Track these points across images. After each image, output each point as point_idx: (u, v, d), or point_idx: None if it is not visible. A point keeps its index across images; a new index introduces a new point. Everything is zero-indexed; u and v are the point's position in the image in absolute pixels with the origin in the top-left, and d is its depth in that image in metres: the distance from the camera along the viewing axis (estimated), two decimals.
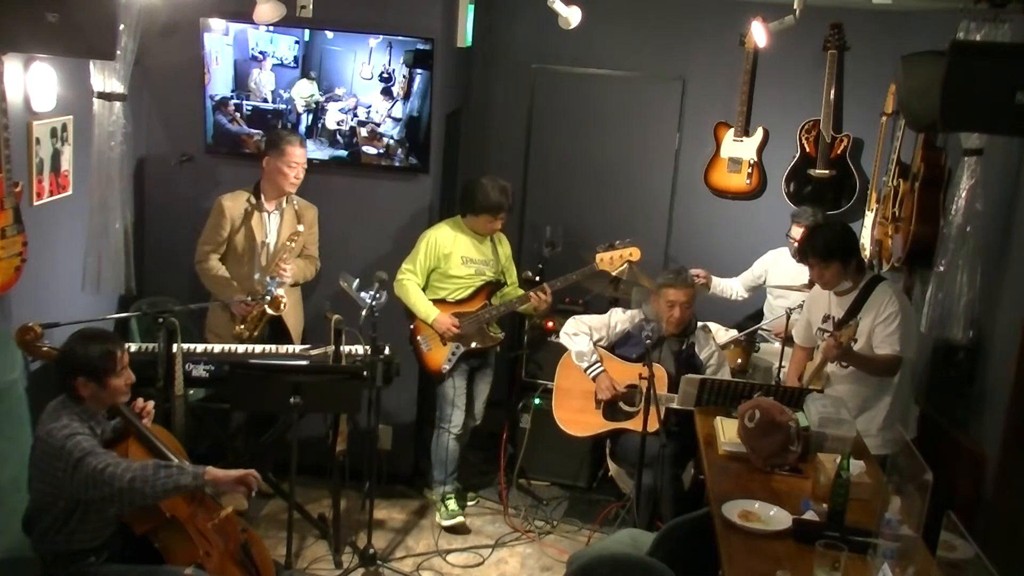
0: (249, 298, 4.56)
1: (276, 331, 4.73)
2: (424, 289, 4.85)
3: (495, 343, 4.96)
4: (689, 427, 4.29)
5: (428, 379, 5.07)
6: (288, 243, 4.65)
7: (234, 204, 4.65)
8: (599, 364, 4.76)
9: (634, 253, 4.85)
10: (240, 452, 4.85)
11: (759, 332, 5.34)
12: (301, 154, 4.65)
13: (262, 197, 4.69)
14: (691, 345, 4.78)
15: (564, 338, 4.84)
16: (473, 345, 4.86)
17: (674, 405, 4.37)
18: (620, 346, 4.85)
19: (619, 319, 4.86)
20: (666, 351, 4.65)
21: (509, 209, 4.84)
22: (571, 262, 5.05)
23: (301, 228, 4.69)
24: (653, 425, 4.18)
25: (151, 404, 3.56)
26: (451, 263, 4.80)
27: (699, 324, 4.88)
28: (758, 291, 5.46)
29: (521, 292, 4.94)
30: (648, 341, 4.35)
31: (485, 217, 4.78)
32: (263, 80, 4.95)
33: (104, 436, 3.38)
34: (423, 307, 4.79)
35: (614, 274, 5.04)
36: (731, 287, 5.44)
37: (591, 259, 4.85)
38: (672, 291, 4.66)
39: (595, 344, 4.81)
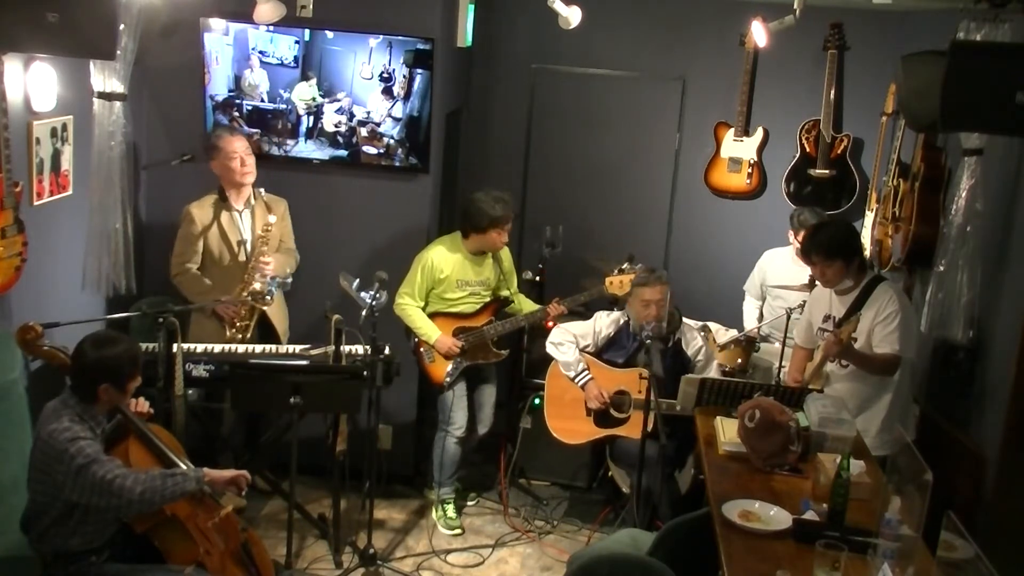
0: (248, 298, 4.55)
1: (264, 333, 4.72)
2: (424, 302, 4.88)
3: (498, 359, 4.96)
4: (684, 427, 4.29)
5: (429, 381, 5.07)
6: (262, 235, 4.62)
7: (203, 211, 4.62)
8: (587, 372, 4.76)
9: None
10: (239, 452, 4.86)
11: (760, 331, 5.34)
12: (240, 143, 4.60)
13: (228, 197, 4.66)
14: (677, 342, 4.79)
15: (550, 348, 4.85)
16: (478, 359, 4.88)
17: (676, 410, 4.36)
18: (606, 351, 4.86)
19: (603, 324, 4.87)
20: (653, 352, 4.64)
21: (515, 217, 4.81)
22: (571, 262, 5.05)
23: (272, 219, 4.66)
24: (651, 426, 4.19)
25: (146, 404, 3.56)
26: (446, 286, 4.81)
27: (684, 320, 4.90)
28: (762, 296, 5.44)
29: (528, 307, 4.94)
30: (648, 341, 4.35)
31: (494, 232, 4.72)
32: (256, 80, 4.95)
33: (104, 435, 3.38)
34: (425, 328, 4.79)
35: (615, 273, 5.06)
36: (753, 313, 5.42)
37: (601, 282, 4.84)
38: (647, 290, 4.67)
39: (582, 351, 4.82)
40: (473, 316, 4.88)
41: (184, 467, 3.47)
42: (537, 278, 5.22)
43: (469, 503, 5.22)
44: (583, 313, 5.11)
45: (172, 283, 4.68)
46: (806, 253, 4.26)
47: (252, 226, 4.69)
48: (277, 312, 4.77)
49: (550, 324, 5.14)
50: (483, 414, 5.07)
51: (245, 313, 4.59)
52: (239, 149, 4.60)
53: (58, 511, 3.23)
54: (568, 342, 4.81)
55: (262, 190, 4.71)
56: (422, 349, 4.85)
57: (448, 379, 4.84)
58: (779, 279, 5.19)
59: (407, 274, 4.81)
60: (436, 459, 5.00)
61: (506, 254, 5.02)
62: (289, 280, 4.76)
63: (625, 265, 4.85)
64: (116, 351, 3.27)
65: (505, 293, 4.99)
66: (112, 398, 3.29)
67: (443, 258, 4.80)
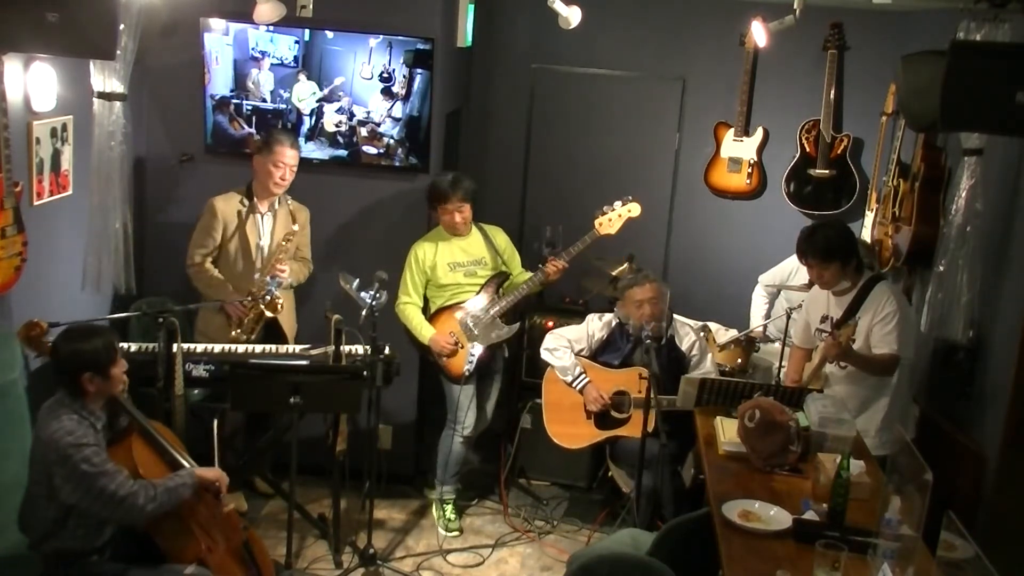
0: (248, 299, 4.55)
1: (271, 334, 4.71)
2: (427, 302, 4.87)
3: (511, 333, 4.92)
4: (685, 424, 4.30)
5: (430, 379, 5.07)
6: (284, 243, 4.63)
7: (227, 206, 4.62)
8: (584, 376, 4.76)
9: (633, 209, 4.81)
10: (240, 452, 4.86)
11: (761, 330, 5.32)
12: (291, 155, 4.60)
13: (255, 198, 4.66)
14: (670, 339, 4.79)
15: (545, 354, 4.84)
16: (492, 339, 4.83)
17: (676, 406, 4.37)
18: (601, 353, 4.86)
19: (596, 327, 4.87)
20: (651, 352, 4.62)
21: (465, 197, 4.72)
22: (571, 262, 5.02)
23: (296, 228, 4.68)
24: (651, 426, 4.19)
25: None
26: (438, 273, 4.80)
27: (675, 317, 4.89)
28: (775, 294, 5.41)
29: (527, 276, 4.90)
30: (647, 341, 4.35)
31: (441, 209, 4.75)
32: (262, 80, 4.95)
33: (105, 432, 3.38)
34: (420, 329, 4.80)
35: (614, 274, 5.05)
36: (761, 306, 5.38)
37: (590, 227, 4.81)
38: (638, 290, 4.67)
39: (577, 355, 4.81)
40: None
41: (186, 464, 3.49)
42: None
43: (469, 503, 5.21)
44: (584, 314, 5.11)
45: (186, 273, 4.68)
46: (802, 255, 4.26)
47: (272, 230, 4.69)
48: (286, 316, 4.75)
49: (550, 324, 5.14)
50: (486, 411, 5.06)
51: (254, 316, 4.58)
52: (288, 160, 4.59)
53: (55, 512, 3.23)
54: (563, 347, 4.81)
55: (289, 197, 4.70)
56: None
57: (468, 369, 4.81)
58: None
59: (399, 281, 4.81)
60: (440, 456, 5.00)
61: (498, 233, 5.00)
62: (292, 281, 4.76)
63: (615, 202, 4.81)
64: (91, 341, 3.27)
65: (505, 270, 4.95)
66: (99, 387, 3.27)
67: (426, 247, 4.81)
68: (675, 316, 4.92)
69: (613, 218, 4.80)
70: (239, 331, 4.57)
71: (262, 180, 4.62)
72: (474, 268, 4.86)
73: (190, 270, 4.66)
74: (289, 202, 4.70)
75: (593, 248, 4.88)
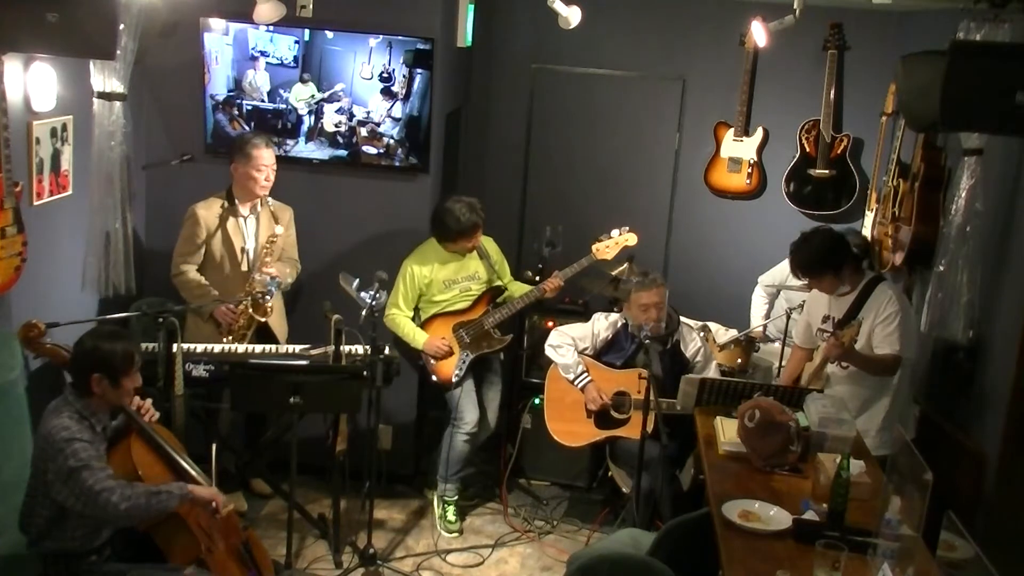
0: (247, 296, 4.54)
1: (263, 337, 4.70)
2: (417, 310, 4.88)
3: (503, 344, 4.95)
4: (684, 427, 4.29)
5: (438, 382, 5.07)
6: (266, 246, 4.62)
7: (208, 212, 4.61)
8: (586, 374, 4.76)
9: (630, 239, 4.89)
10: (239, 452, 4.86)
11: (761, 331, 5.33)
12: (269, 155, 4.59)
13: (236, 202, 4.65)
14: (675, 343, 4.79)
15: (549, 351, 4.85)
16: (483, 348, 4.86)
17: (676, 410, 4.36)
18: (605, 353, 4.86)
19: (601, 327, 4.88)
20: (652, 353, 4.64)
21: (483, 223, 4.80)
22: (571, 262, 5.03)
23: (280, 230, 4.67)
24: (651, 427, 4.19)
25: (149, 402, 3.55)
26: (432, 290, 4.82)
27: (683, 321, 4.90)
28: (774, 294, 5.41)
29: (521, 290, 4.93)
30: (648, 341, 4.34)
31: (463, 240, 4.76)
32: (258, 81, 4.95)
33: (106, 433, 3.38)
34: (412, 334, 4.82)
35: (614, 274, 5.05)
36: (761, 307, 5.38)
37: (589, 233, 4.86)
38: (644, 294, 4.66)
39: (581, 353, 4.82)
40: (469, 310, 4.88)
41: (185, 465, 3.48)
42: (537, 278, 5.22)
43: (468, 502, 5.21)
44: (583, 313, 5.11)
45: (172, 283, 4.67)
46: (793, 271, 4.27)
47: (256, 233, 4.68)
48: (276, 318, 4.75)
49: (551, 324, 5.14)
50: (488, 416, 5.05)
51: (244, 322, 4.58)
52: (268, 162, 4.59)
53: (50, 511, 3.23)
54: (567, 344, 4.81)
55: (270, 198, 4.69)
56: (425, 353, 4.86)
57: (457, 375, 4.83)
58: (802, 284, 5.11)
59: (392, 288, 4.81)
60: (444, 455, 4.98)
61: (490, 244, 5.01)
62: (289, 281, 4.76)
63: (613, 230, 4.89)
64: (112, 344, 3.29)
65: (499, 283, 4.98)
66: (106, 391, 3.27)
67: (422, 265, 4.81)
68: (683, 320, 4.91)
69: (611, 245, 4.90)
70: (229, 338, 4.56)
71: (244, 185, 4.61)
72: (468, 284, 4.89)
73: (175, 279, 4.63)
74: (271, 203, 4.69)
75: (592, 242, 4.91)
